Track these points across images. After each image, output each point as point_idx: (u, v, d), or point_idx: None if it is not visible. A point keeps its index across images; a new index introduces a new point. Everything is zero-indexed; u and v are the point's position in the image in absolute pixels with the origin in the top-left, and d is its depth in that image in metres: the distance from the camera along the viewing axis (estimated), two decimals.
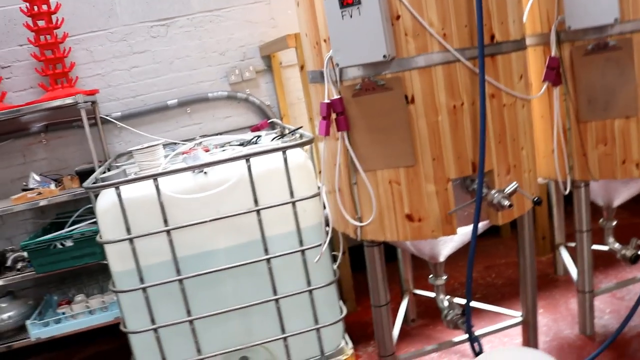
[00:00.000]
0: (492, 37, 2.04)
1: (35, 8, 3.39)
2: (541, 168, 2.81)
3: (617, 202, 2.91)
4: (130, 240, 2.28)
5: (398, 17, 1.92)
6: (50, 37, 3.46)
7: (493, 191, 2.05)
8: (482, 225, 2.20)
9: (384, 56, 1.90)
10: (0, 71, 3.65)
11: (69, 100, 3.19)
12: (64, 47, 3.57)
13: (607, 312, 3.15)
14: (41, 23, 3.43)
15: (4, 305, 3.43)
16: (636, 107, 2.42)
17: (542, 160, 2.79)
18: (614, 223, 3.01)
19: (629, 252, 2.90)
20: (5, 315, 3.38)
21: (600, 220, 3.04)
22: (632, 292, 3.31)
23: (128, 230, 2.27)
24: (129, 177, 2.32)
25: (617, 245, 2.99)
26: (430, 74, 1.96)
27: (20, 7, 3.42)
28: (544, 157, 2.78)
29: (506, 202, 2.01)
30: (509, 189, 2.05)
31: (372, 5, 1.87)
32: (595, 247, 2.99)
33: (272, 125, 3.52)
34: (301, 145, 2.36)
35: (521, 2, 2.27)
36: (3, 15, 3.62)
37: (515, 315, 2.72)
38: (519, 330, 2.75)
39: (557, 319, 3.18)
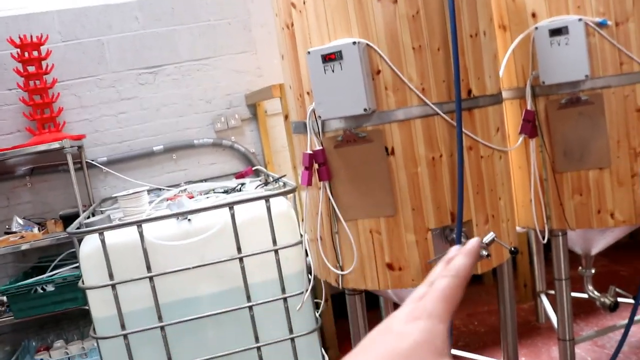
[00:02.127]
0: (469, 91, 2.11)
1: (26, 54, 3.45)
2: (520, 217, 2.87)
3: (595, 250, 2.96)
4: (113, 286, 2.28)
5: (379, 72, 2.00)
6: (40, 83, 3.51)
7: None
8: None
9: (365, 109, 1.96)
10: None
11: (55, 145, 3.22)
12: (52, 92, 3.62)
13: None
14: (31, 69, 3.49)
15: None
16: (609, 158, 2.51)
17: (521, 209, 2.85)
18: (593, 271, 3.05)
19: (607, 300, 2.93)
20: None
21: (579, 269, 3.08)
22: (612, 340, 3.33)
23: (111, 276, 2.27)
24: (113, 223, 2.33)
25: (596, 293, 3.03)
26: (409, 127, 2.02)
27: (11, 53, 3.48)
28: (522, 206, 2.84)
29: (484, 252, 2.04)
30: (486, 239, 2.08)
31: (353, 61, 1.94)
32: (575, 294, 3.02)
33: (257, 173, 3.57)
34: (284, 193, 2.40)
35: (497, 58, 2.36)
36: None
37: None
38: None
39: None
